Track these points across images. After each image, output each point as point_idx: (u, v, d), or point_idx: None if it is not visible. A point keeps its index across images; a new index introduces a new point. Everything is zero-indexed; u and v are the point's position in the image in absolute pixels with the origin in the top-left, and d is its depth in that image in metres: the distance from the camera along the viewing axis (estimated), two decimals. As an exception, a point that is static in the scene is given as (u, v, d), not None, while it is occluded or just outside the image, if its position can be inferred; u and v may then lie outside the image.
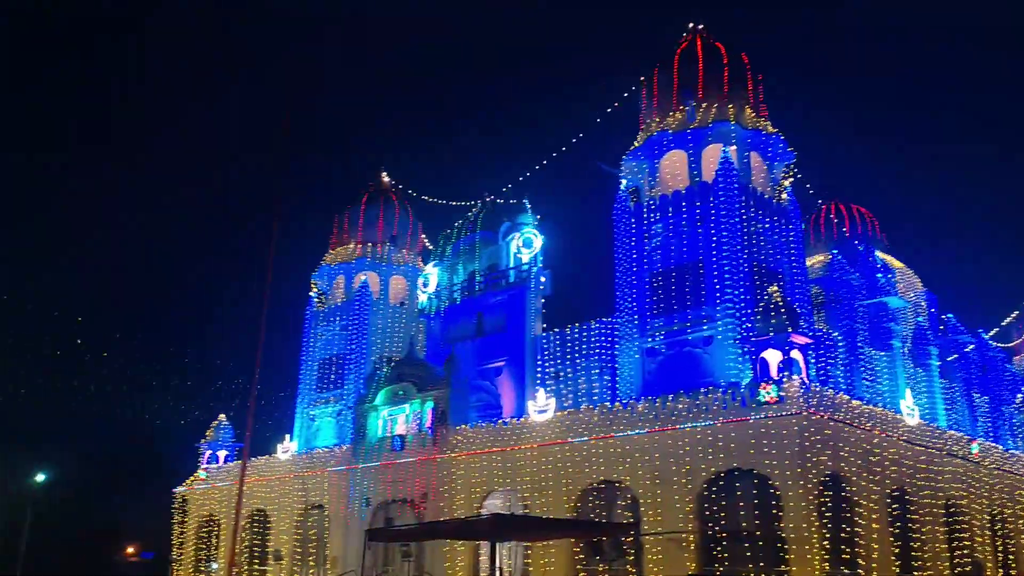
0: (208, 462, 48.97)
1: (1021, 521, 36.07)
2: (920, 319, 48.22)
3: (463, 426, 36.81)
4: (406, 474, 37.62)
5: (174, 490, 49.76)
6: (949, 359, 47.14)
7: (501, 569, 33.81)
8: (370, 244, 52.29)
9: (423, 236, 54.45)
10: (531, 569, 32.64)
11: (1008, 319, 62.89)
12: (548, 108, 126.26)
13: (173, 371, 59.28)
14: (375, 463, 39.02)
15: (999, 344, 55.35)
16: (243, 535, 43.64)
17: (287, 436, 46.94)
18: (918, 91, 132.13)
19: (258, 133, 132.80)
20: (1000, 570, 33.83)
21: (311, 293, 53.08)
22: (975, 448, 35.05)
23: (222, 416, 50.24)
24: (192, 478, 49.38)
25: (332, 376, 49.92)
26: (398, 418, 39.80)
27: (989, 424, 48.28)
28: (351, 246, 52.38)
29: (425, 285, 48.52)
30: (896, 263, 50.14)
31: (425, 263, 50.66)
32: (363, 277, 50.82)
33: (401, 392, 40.02)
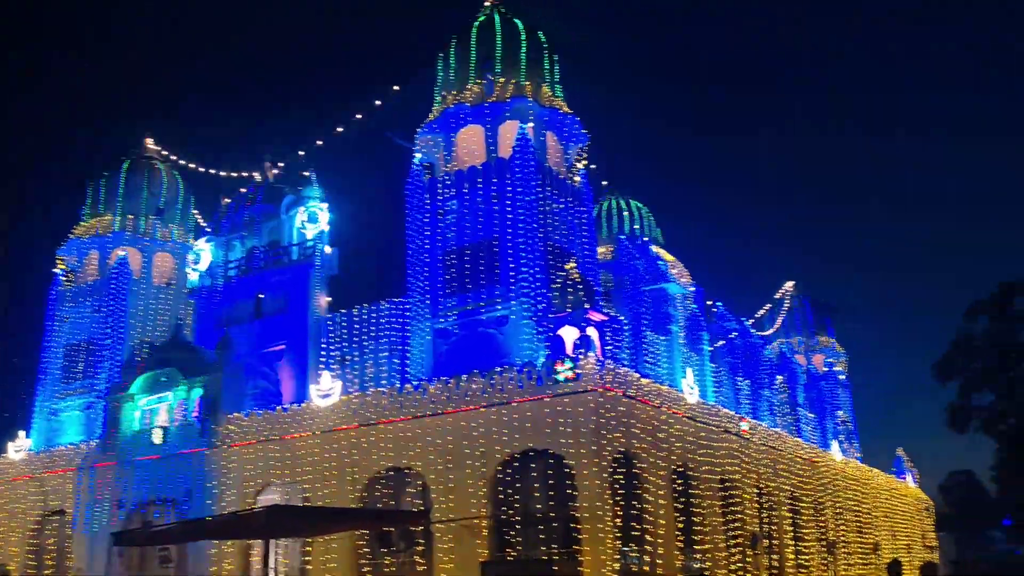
0: (-83, 465, 41.04)
1: (783, 494, 38.57)
2: (693, 307, 50.81)
3: (236, 414, 33.27)
4: (167, 471, 33.39)
5: None
6: (717, 344, 50.12)
7: (276, 570, 30.83)
8: (131, 216, 46.52)
9: (195, 211, 49.33)
10: (310, 568, 29.97)
11: (761, 311, 68.74)
12: (339, 79, 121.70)
13: None
14: (130, 460, 34.33)
15: (758, 332, 60.02)
16: (-40, 550, 36.93)
17: (21, 433, 40.38)
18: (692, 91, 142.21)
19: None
20: (767, 540, 35.85)
21: (56, 270, 46.33)
22: (744, 425, 36.94)
23: (-62, 411, 42.47)
24: None
25: (81, 364, 43.76)
26: (159, 408, 35.32)
27: (750, 405, 51.99)
28: (108, 218, 46.30)
29: (196, 262, 43.62)
30: (668, 256, 52.46)
31: (197, 239, 45.73)
32: (121, 253, 44.99)
33: (164, 379, 35.55)
